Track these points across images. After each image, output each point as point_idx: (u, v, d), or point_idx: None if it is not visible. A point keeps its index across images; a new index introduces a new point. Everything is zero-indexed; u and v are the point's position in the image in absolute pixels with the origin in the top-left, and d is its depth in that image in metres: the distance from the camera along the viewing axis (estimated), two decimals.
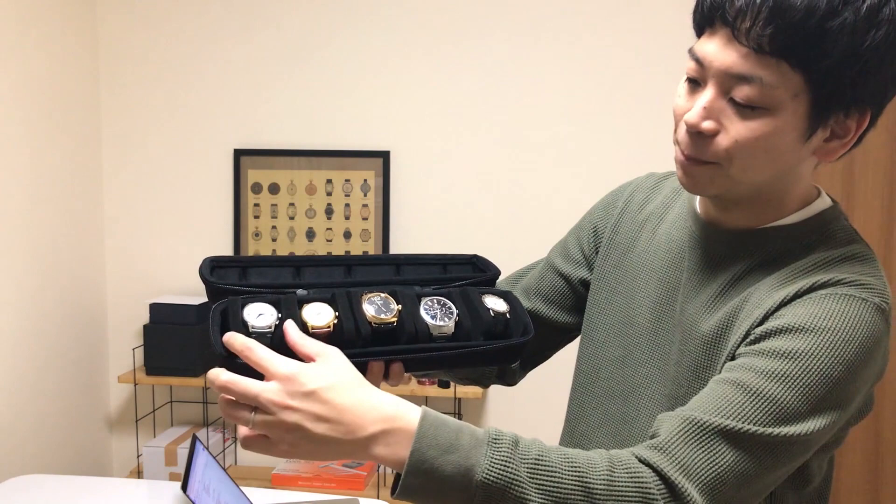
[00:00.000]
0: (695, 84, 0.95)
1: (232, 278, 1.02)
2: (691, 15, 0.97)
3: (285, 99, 2.73)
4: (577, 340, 1.23)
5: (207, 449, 1.92)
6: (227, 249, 2.78)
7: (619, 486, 0.84)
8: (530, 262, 1.31)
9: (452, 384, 2.61)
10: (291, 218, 2.75)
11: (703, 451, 0.86)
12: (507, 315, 1.03)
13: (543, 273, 1.24)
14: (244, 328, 0.92)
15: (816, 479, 1.01)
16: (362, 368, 0.94)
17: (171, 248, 2.83)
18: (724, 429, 0.86)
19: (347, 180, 2.72)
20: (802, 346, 0.89)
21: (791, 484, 0.98)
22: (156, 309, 2.64)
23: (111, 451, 2.92)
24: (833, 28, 0.86)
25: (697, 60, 0.94)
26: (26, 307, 2.45)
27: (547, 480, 0.83)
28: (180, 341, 2.61)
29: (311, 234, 2.75)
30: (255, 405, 0.84)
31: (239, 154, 2.75)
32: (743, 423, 0.86)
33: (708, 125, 0.93)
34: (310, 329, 0.93)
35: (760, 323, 0.93)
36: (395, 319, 0.97)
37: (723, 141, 0.93)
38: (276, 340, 0.91)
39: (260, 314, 0.94)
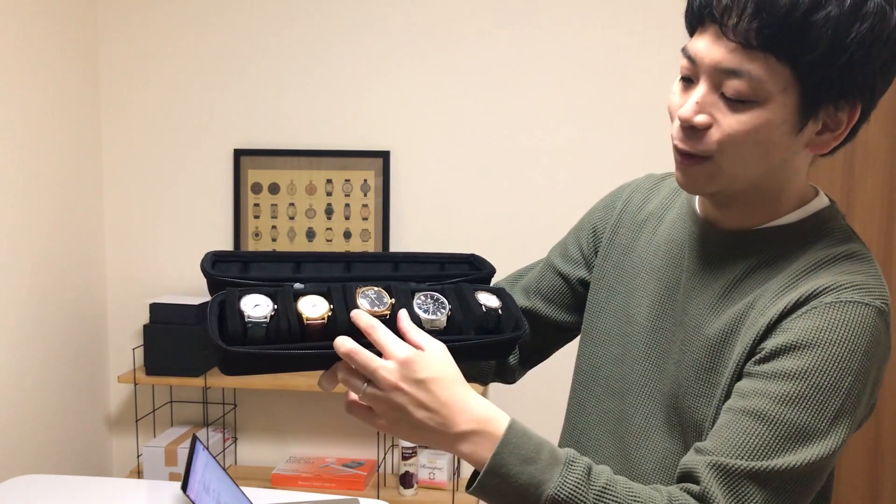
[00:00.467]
0: (688, 82, 0.98)
1: (233, 272, 1.05)
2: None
3: (285, 99, 2.73)
4: (577, 339, 1.24)
5: (207, 449, 1.92)
6: (227, 249, 2.78)
7: None
8: (530, 262, 1.32)
9: None
10: (291, 218, 2.75)
11: (736, 499, 0.90)
12: (500, 311, 1.05)
13: (543, 273, 1.26)
14: (241, 318, 0.95)
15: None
16: None
17: (171, 248, 2.83)
18: (752, 471, 0.90)
19: (347, 180, 2.72)
20: (810, 363, 0.91)
21: None
22: (156, 309, 2.64)
23: (111, 451, 2.93)
24: (817, 21, 0.88)
25: (689, 58, 0.97)
26: (26, 307, 2.46)
27: None
28: (180, 341, 2.61)
29: (311, 234, 2.75)
30: (369, 378, 0.91)
31: (239, 154, 2.75)
32: (768, 459, 0.90)
33: (700, 119, 0.95)
34: (304, 320, 0.96)
35: (765, 335, 0.95)
36: (388, 312, 0.98)
37: (715, 134, 0.95)
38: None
39: (256, 305, 0.96)
